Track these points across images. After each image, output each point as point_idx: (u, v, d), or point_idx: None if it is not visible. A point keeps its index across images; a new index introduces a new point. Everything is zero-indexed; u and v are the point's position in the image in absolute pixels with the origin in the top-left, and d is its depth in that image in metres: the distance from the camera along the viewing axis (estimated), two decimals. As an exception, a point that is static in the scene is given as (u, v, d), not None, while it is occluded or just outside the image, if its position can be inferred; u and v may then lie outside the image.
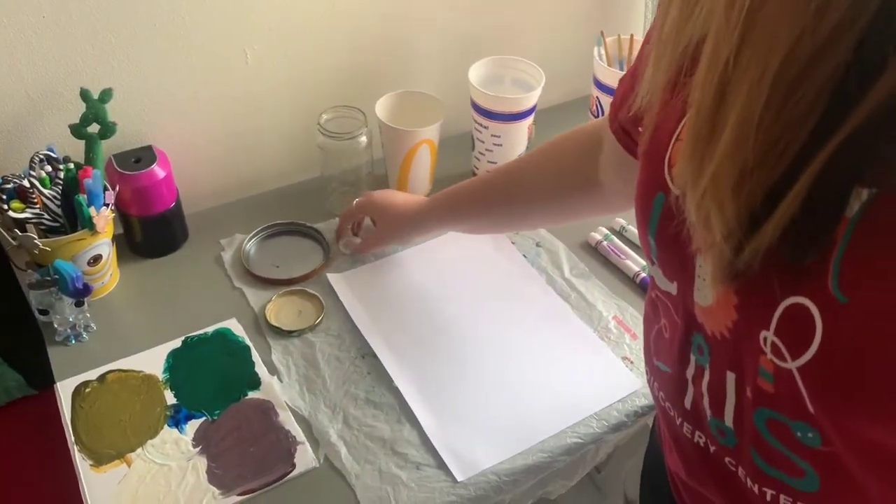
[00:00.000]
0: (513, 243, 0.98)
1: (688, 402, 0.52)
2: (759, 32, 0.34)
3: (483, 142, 1.01)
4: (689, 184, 0.40)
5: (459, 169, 1.08)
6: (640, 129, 0.62)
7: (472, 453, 0.74)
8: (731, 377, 0.47)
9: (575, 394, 0.81)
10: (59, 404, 0.77)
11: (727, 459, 0.51)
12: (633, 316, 0.89)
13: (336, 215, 1.00)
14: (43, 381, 0.81)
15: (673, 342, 0.52)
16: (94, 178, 0.81)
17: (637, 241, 0.98)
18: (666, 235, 0.47)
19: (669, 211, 0.46)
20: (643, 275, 0.92)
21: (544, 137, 1.12)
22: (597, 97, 1.06)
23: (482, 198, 0.81)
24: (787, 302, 0.40)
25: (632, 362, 0.84)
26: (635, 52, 0.91)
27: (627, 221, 1.00)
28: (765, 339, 0.42)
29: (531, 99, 0.97)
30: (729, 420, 0.49)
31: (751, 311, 0.43)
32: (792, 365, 0.40)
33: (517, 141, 1.00)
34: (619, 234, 0.99)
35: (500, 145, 1.00)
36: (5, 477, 0.73)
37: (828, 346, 0.38)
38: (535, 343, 0.86)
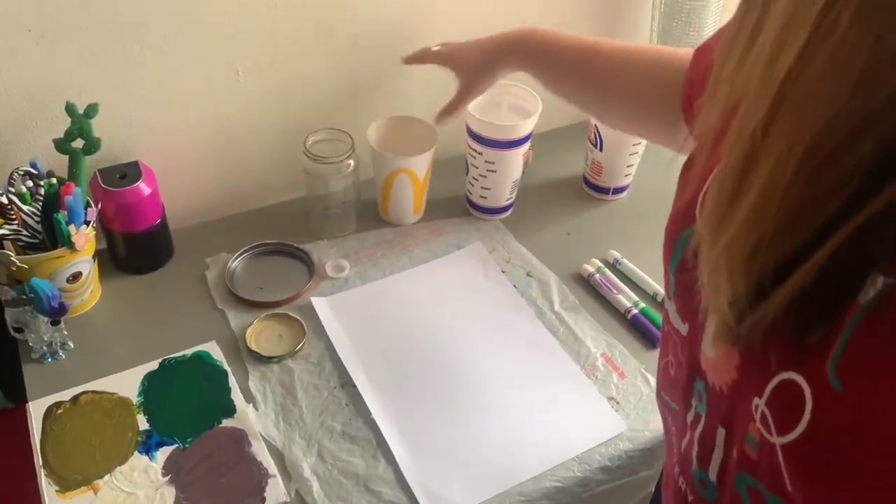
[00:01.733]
0: (503, 272, 0.96)
1: (684, 444, 0.51)
2: (794, 104, 0.32)
3: (477, 167, 0.99)
4: (704, 245, 0.39)
5: (453, 193, 1.06)
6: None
7: (449, 493, 0.72)
8: (721, 433, 0.45)
9: (557, 434, 0.78)
10: (29, 425, 0.76)
11: None
12: (622, 353, 0.86)
13: (320, 238, 0.98)
14: (20, 395, 0.80)
15: (678, 382, 0.51)
16: (75, 196, 0.79)
17: (630, 275, 0.96)
18: (686, 275, 0.46)
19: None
20: (634, 311, 0.90)
21: (541, 163, 1.12)
22: (595, 125, 1.04)
23: (565, 66, 0.79)
24: (783, 376, 0.38)
25: (618, 403, 0.81)
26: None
27: (622, 255, 0.97)
28: (756, 407, 0.40)
29: (526, 127, 0.95)
30: (713, 474, 0.47)
31: (749, 374, 0.42)
32: (776, 440, 0.39)
33: (511, 168, 0.98)
34: (613, 266, 0.97)
35: (495, 171, 0.98)
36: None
37: (814, 429, 0.36)
38: (520, 379, 0.83)
